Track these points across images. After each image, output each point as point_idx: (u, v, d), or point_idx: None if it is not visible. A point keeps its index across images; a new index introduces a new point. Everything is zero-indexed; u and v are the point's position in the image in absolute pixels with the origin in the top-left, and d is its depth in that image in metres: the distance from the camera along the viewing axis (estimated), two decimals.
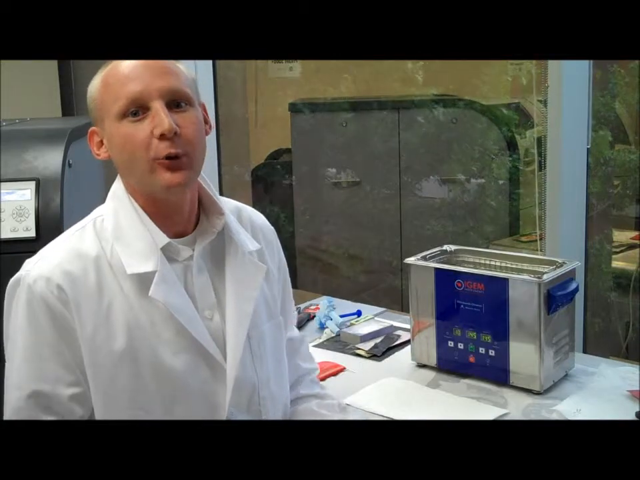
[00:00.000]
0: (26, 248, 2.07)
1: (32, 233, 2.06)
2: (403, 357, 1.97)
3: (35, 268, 1.27)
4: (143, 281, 1.27)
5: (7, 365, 1.30)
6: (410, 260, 1.92)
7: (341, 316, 2.20)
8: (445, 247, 2.01)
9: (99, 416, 1.28)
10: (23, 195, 2.09)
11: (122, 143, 1.24)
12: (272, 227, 1.52)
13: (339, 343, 2.09)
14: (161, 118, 1.21)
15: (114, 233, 1.29)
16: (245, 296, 1.35)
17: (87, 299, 1.26)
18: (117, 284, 1.27)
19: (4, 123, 2.45)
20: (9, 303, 1.29)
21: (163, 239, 1.29)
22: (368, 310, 2.30)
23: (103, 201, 1.37)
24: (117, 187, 1.34)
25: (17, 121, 2.54)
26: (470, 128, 3.74)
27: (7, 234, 2.06)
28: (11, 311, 1.28)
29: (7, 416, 1.28)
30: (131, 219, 1.30)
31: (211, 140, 2.90)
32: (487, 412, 1.66)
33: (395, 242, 3.86)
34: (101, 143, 1.31)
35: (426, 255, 1.95)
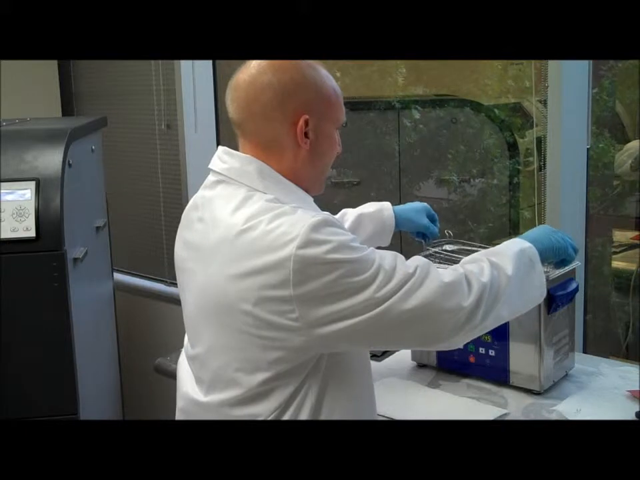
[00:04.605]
0: (26, 248, 2.08)
1: (32, 233, 2.06)
2: (402, 357, 1.97)
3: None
4: None
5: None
6: None
7: None
8: (445, 247, 2.01)
9: None
10: (23, 195, 2.09)
11: (333, 147, 1.43)
12: None
13: None
14: (339, 141, 1.45)
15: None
16: None
17: None
18: None
19: (4, 123, 2.45)
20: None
21: None
22: None
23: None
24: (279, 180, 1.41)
25: (17, 120, 2.55)
26: (470, 128, 3.74)
27: (7, 234, 2.06)
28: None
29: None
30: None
31: (211, 140, 2.91)
32: (486, 412, 1.66)
33: (394, 242, 3.86)
34: (306, 134, 1.35)
35: (426, 255, 1.95)
